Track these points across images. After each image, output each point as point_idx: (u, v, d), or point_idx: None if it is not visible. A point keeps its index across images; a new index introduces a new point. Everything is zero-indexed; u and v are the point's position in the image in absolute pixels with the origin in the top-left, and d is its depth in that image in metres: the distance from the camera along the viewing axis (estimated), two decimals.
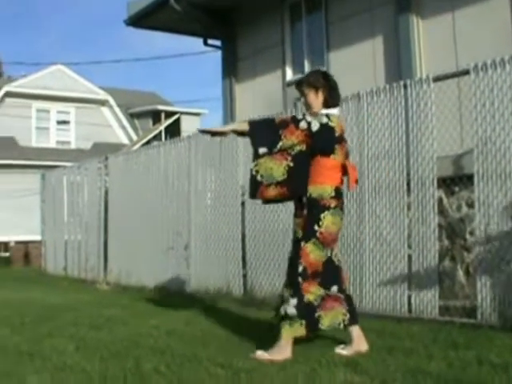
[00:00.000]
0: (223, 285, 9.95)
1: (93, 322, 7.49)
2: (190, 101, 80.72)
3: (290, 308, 5.29)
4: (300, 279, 5.32)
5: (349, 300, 5.53)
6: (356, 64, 12.10)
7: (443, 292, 7.44)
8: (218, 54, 16.44)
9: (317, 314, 5.29)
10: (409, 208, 7.54)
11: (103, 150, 27.12)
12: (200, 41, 16.63)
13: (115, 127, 35.51)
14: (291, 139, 5.35)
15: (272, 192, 5.41)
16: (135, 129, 35.96)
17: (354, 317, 5.48)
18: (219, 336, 6.21)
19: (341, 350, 5.38)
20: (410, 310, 7.36)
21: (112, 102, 35.86)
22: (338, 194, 5.50)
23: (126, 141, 35.27)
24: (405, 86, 7.65)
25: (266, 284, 9.29)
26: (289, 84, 13.70)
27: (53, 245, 16.82)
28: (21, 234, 30.59)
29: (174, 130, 35.27)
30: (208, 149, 10.53)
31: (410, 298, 7.41)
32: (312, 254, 5.34)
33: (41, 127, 34.46)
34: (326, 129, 5.40)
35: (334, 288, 5.43)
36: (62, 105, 35.08)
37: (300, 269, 5.34)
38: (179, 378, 4.56)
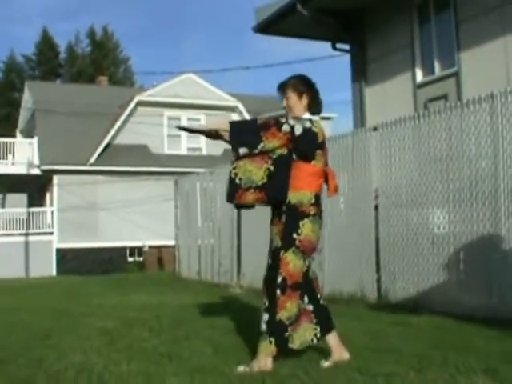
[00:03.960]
0: (357, 289, 9.93)
1: (228, 326, 7.58)
2: None
3: (262, 323, 5.21)
4: (278, 291, 5.14)
5: (321, 310, 5.31)
6: (487, 63, 11.88)
7: None
8: (346, 57, 16.48)
9: (287, 334, 5.11)
10: None
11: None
12: (327, 45, 16.71)
13: None
14: (273, 142, 5.09)
15: (250, 196, 5.17)
16: None
17: (327, 325, 5.29)
18: (354, 341, 6.18)
19: (324, 363, 5.18)
20: None
21: (241, 108, 36.33)
22: (318, 201, 5.27)
23: None
24: None
25: (400, 288, 9.23)
26: (419, 86, 13.57)
27: (186, 249, 17.21)
28: (154, 238, 31.39)
29: None
30: (339, 152, 10.53)
31: None
32: (292, 263, 5.14)
33: (172, 135, 35.21)
34: (309, 134, 5.17)
35: (305, 298, 5.26)
36: (192, 112, 35.79)
37: (279, 280, 5.15)
38: (316, 383, 4.57)
